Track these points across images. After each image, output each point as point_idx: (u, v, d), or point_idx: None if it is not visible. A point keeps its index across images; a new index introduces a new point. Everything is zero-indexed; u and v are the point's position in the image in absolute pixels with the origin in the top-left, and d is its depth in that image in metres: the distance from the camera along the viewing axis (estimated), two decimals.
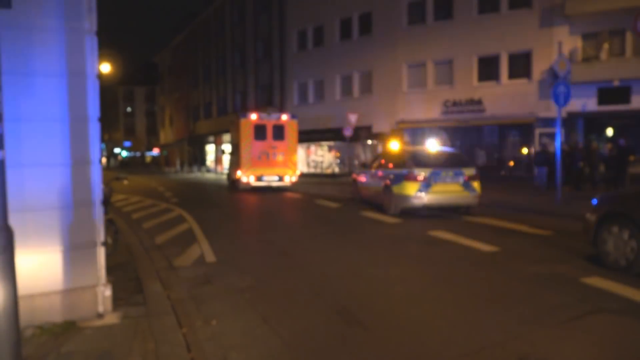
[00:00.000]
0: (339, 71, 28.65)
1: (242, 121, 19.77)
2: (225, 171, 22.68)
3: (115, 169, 62.77)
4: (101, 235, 4.41)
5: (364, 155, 27.80)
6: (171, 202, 15.18)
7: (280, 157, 20.08)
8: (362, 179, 13.56)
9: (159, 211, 12.67)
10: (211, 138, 42.81)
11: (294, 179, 20.26)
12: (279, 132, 20.14)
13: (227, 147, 24.37)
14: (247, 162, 19.78)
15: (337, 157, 30.22)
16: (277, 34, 33.11)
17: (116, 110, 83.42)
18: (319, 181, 24.71)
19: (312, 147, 31.30)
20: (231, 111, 38.69)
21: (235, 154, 20.92)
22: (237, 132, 20.17)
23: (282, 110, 31.63)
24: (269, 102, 33.76)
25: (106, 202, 6.32)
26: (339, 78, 28.88)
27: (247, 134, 19.77)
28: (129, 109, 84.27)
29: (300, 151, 31.44)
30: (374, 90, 26.63)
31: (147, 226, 10.11)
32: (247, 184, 19.72)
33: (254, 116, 19.85)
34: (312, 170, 30.91)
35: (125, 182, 8.01)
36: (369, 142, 27.00)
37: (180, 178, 33.36)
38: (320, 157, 31.04)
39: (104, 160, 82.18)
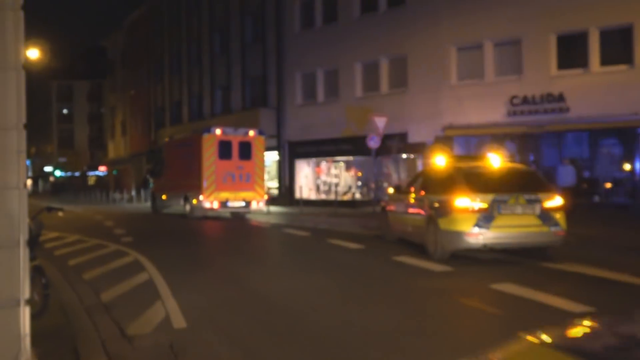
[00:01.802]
0: (360, 57, 28.99)
1: (205, 137, 22.93)
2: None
3: (45, 196, 63.60)
4: (25, 290, 4.42)
5: (397, 175, 27.87)
6: (123, 241, 15.40)
7: (247, 179, 23.39)
8: (394, 208, 13.72)
9: (106, 255, 12.80)
10: None
11: (262, 204, 23.76)
12: (245, 150, 23.43)
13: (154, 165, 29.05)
14: (211, 184, 22.78)
15: (357, 178, 30.31)
16: (273, 6, 33.68)
17: (47, 114, 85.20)
18: (333, 211, 24.83)
19: (323, 164, 31.55)
20: (209, 114, 39.19)
21: (177, 175, 24.93)
22: (197, 150, 23.21)
23: (280, 112, 32.01)
24: (262, 100, 34.23)
25: (33, 242, 6.34)
26: (360, 67, 29.20)
27: (210, 152, 22.89)
28: (65, 112, 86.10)
29: (306, 169, 31.76)
30: (410, 83, 26.84)
31: (90, 276, 10.17)
32: (210, 209, 22.88)
33: (218, 131, 23.15)
34: (322, 197, 31.04)
35: (60, 214, 8.10)
36: (404, 156, 27.14)
37: (137, 208, 33.54)
38: (335, 177, 31.22)
39: (29, 183, 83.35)
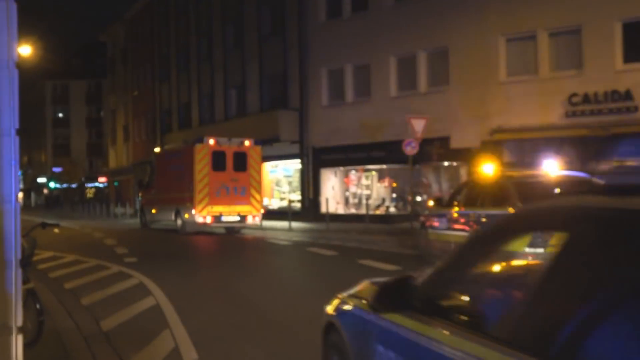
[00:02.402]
0: (395, 50, 29.00)
1: (197, 147, 24.83)
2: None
3: (38, 210, 64.47)
4: (18, 316, 4.46)
5: (437, 186, 27.72)
6: (126, 262, 15.58)
7: (242, 192, 25.21)
8: (435, 223, 13.70)
9: (107, 277, 12.93)
10: None
11: (258, 219, 25.56)
12: (241, 161, 25.39)
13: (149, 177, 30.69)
14: (204, 198, 24.55)
15: (392, 190, 30.24)
16: None
17: (40, 118, 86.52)
18: (364, 228, 24.82)
19: (353, 174, 31.59)
20: (221, 117, 39.48)
21: (167, 187, 26.81)
22: (189, 161, 25.11)
23: (302, 114, 32.13)
24: (282, 101, 34.36)
25: (26, 263, 6.41)
26: (395, 62, 29.20)
27: (203, 163, 24.76)
28: (60, 115, 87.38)
29: (333, 179, 31.79)
30: (453, 80, 26.77)
31: (90, 301, 10.27)
32: (203, 224, 24.65)
33: (211, 141, 25.11)
34: (351, 211, 31.03)
35: (56, 230, 8.26)
36: (445, 163, 27.02)
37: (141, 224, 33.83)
38: (366, 189, 31.21)
39: (20, 196, 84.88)
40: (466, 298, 3.12)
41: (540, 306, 2.36)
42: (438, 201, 14.34)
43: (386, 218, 29.03)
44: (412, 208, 25.93)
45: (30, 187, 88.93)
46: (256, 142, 25.92)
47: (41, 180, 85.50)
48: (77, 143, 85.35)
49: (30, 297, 6.65)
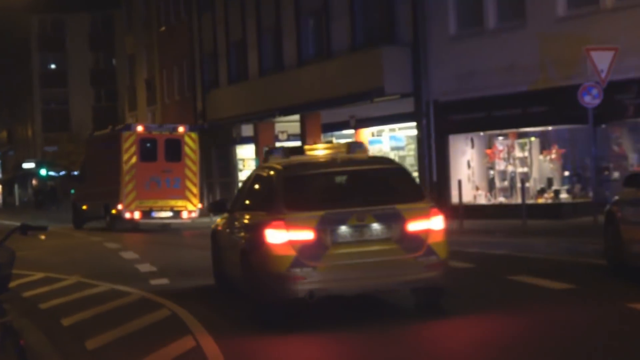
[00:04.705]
0: None
1: (124, 135, 31.97)
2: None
3: (25, 211, 66.11)
4: None
5: (637, 157, 27.25)
6: (152, 285, 15.98)
7: (176, 185, 32.39)
8: (633, 215, 13.56)
9: (123, 308, 13.15)
10: (248, 128, 44.67)
11: (194, 214, 33.24)
12: (174, 149, 32.67)
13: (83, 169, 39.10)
14: (131, 191, 31.65)
15: (562, 164, 29.79)
16: None
17: (24, 73, 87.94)
18: (517, 225, 24.69)
19: (499, 142, 31.31)
20: (292, 61, 39.57)
21: (97, 180, 34.51)
22: (116, 150, 31.93)
23: (418, 51, 31.90)
24: (386, 32, 34.24)
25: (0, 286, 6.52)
26: None
27: (130, 153, 31.77)
28: (52, 67, 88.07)
29: (469, 151, 31.46)
30: None
31: (97, 344, 10.44)
32: (131, 220, 32.14)
33: (139, 128, 32.84)
34: (499, 199, 30.90)
35: (42, 237, 8.39)
36: None
37: (177, 229, 34.40)
38: (520, 165, 30.85)
39: None
40: None
41: None
42: (637, 180, 14.00)
43: (554, 209, 28.60)
44: (594, 192, 25.48)
45: (13, 177, 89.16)
46: (191, 128, 33.20)
47: (28, 165, 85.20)
48: (78, 109, 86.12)
49: (7, 335, 6.75)
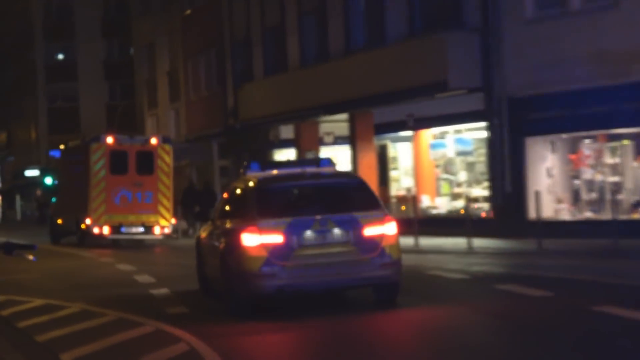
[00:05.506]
0: None
1: (93, 147, 35.68)
2: None
3: (27, 226, 67.11)
4: None
5: None
6: (169, 314, 16.43)
7: (147, 199, 36.15)
8: None
9: (136, 342, 13.38)
10: (287, 130, 45.04)
11: (167, 230, 37.31)
12: (146, 162, 36.14)
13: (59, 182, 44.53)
14: (100, 205, 35.43)
15: None
16: None
17: (27, 65, 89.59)
18: (608, 245, 24.61)
19: (586, 146, 31.30)
20: (339, 50, 39.55)
21: (70, 193, 38.45)
22: (86, 162, 35.73)
23: (488, 37, 31.71)
24: (450, 15, 34.49)
25: None
26: None
27: (99, 165, 35.46)
28: (60, 57, 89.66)
29: (549, 156, 31.50)
30: None
31: None
32: (99, 236, 35.87)
33: (109, 139, 35.88)
34: (585, 215, 30.85)
35: (30, 257, 8.27)
36: None
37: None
38: (613, 173, 30.93)
39: None
40: None
41: None
42: None
43: None
44: None
45: (13, 187, 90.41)
46: (165, 140, 36.21)
47: (31, 173, 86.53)
48: (89, 107, 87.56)
49: None
